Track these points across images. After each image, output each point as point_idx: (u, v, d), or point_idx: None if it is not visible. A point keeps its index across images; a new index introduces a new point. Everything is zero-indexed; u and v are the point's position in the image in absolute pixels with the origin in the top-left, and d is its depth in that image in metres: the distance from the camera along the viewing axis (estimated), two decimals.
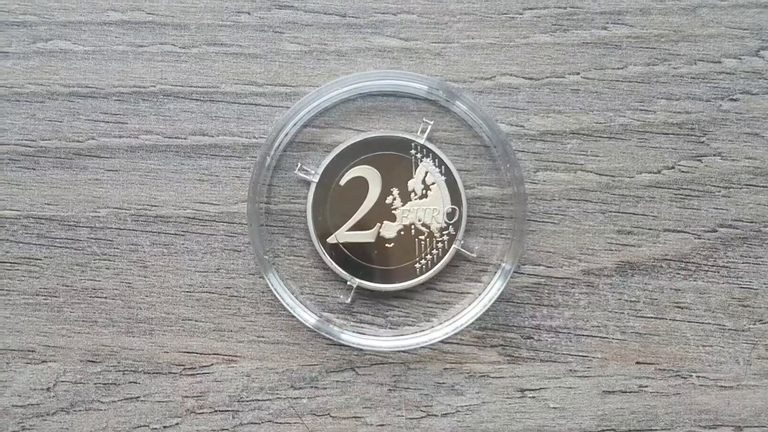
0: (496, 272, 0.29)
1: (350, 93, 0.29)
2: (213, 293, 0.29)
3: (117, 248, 0.29)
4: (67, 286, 0.29)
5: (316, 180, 0.28)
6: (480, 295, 0.29)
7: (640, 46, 0.29)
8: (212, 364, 0.29)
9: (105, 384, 0.29)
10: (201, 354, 0.29)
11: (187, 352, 0.29)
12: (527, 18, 0.29)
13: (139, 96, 0.29)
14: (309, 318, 0.28)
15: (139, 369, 0.29)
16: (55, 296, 0.29)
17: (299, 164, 0.29)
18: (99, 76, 0.29)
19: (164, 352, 0.29)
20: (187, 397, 0.29)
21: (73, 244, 0.29)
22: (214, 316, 0.29)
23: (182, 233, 0.29)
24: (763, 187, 0.29)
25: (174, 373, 0.29)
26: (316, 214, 0.28)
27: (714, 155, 0.29)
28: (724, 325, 0.29)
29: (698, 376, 0.29)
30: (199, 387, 0.29)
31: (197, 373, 0.29)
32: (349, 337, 0.29)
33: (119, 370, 0.29)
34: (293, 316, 0.28)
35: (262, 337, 0.29)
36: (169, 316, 0.29)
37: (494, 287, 0.28)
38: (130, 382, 0.29)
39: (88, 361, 0.29)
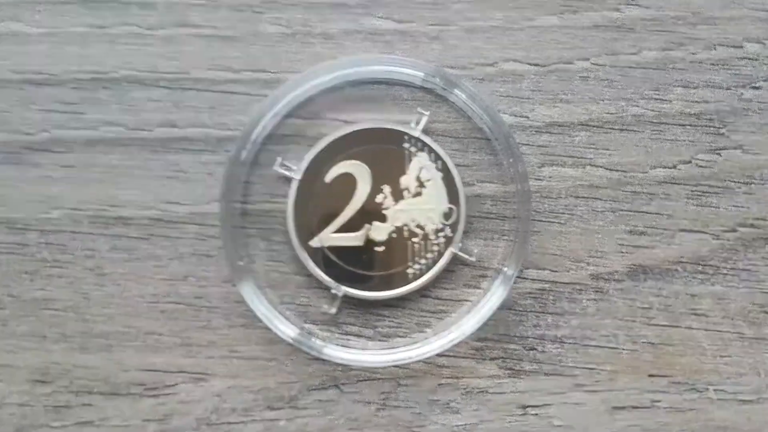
0: (496, 278, 0.28)
1: (337, 80, 0.28)
2: (180, 304, 0.28)
3: (71, 254, 0.28)
4: (14, 296, 0.28)
5: (299, 177, 0.28)
6: (479, 302, 0.28)
7: (655, 30, 0.29)
8: (178, 384, 0.28)
9: (56, 407, 0.28)
10: (165, 372, 0.28)
11: (150, 371, 0.28)
12: None
13: (99, 83, 0.29)
14: (289, 331, 0.28)
15: (95, 390, 0.28)
16: (1, 308, 0.28)
17: (279, 159, 0.28)
18: (54, 61, 0.29)
19: (123, 370, 0.28)
20: (148, 420, 0.28)
21: (20, 250, 0.28)
22: (180, 330, 0.28)
23: (146, 237, 0.28)
24: None
25: (134, 394, 0.28)
26: (298, 214, 0.28)
27: (734, 148, 0.29)
28: (744, 334, 0.29)
29: (716, 390, 0.29)
30: (163, 409, 0.28)
31: (161, 394, 0.28)
32: (334, 352, 0.28)
33: (72, 391, 0.28)
34: (271, 329, 0.27)
35: (236, 352, 0.28)
36: (130, 330, 0.28)
37: (495, 294, 0.28)
38: (84, 405, 0.28)
39: (37, 380, 0.28)
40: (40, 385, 0.28)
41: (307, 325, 0.28)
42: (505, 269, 0.28)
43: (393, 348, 0.28)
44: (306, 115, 0.28)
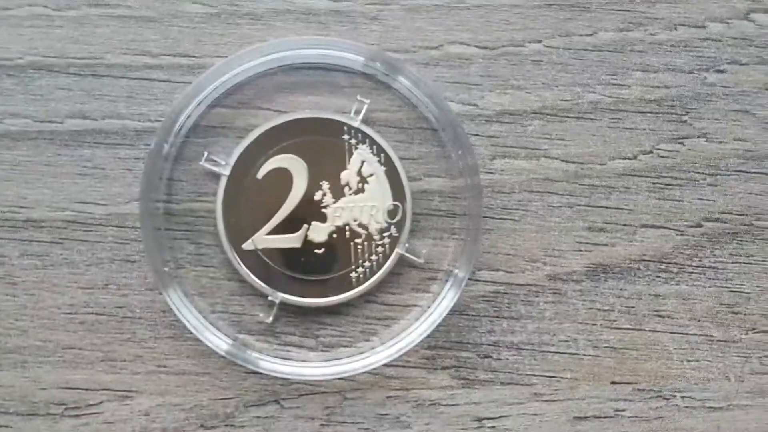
0: (447, 280, 0.28)
1: (268, 65, 0.28)
2: (101, 314, 0.28)
3: None
4: None
5: (227, 172, 0.27)
6: (429, 307, 0.28)
7: (612, 9, 0.29)
8: (102, 402, 0.28)
9: None
10: (87, 390, 0.28)
11: (70, 388, 0.28)
12: None
13: (2, 70, 0.28)
14: (221, 342, 0.27)
15: (11, 410, 0.28)
16: None
17: (206, 153, 0.27)
18: None
19: (40, 388, 0.28)
20: None
21: None
22: (102, 343, 0.28)
23: (60, 241, 0.28)
24: (754, 173, 0.29)
25: (54, 414, 0.28)
26: (228, 214, 0.27)
27: (698, 137, 0.29)
28: (712, 336, 0.29)
29: (683, 397, 0.29)
30: (86, 430, 0.28)
31: (83, 414, 0.28)
32: (272, 364, 0.27)
33: None
34: (202, 341, 0.27)
35: (164, 366, 0.28)
36: (46, 344, 0.28)
37: (445, 298, 0.28)
38: (0, 426, 0.28)
39: None
40: None
41: (241, 336, 0.28)
42: (456, 271, 0.28)
43: (337, 359, 0.28)
44: (234, 104, 0.28)
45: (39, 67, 0.28)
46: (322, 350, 0.28)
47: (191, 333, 0.27)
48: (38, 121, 0.28)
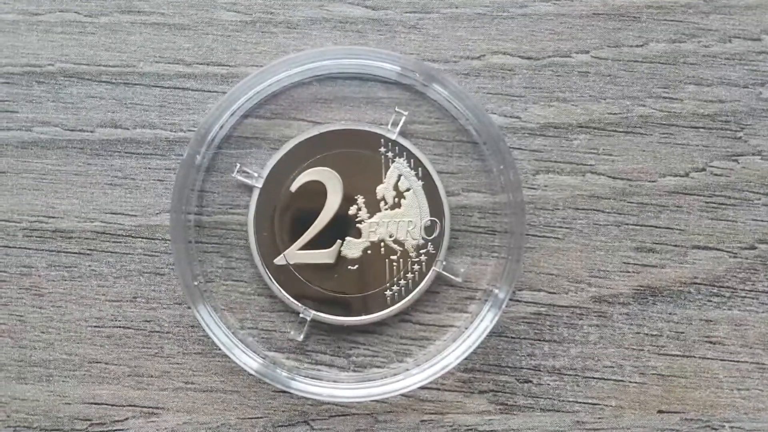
0: (486, 300, 0.28)
1: (303, 75, 0.28)
2: (128, 328, 0.28)
3: (4, 271, 0.28)
4: None
5: (260, 185, 0.27)
6: (466, 328, 0.28)
7: (663, 19, 0.29)
8: (127, 419, 0.28)
9: None
10: (113, 405, 0.28)
11: (96, 404, 0.28)
12: None
13: (32, 77, 0.29)
14: (251, 361, 0.27)
15: (34, 424, 0.28)
16: None
17: (238, 165, 0.27)
18: None
19: (65, 403, 0.28)
20: None
21: None
22: (129, 358, 0.28)
23: (88, 252, 0.28)
24: None
25: (78, 430, 0.28)
26: (260, 228, 0.27)
27: (753, 154, 0.29)
28: (764, 364, 0.28)
29: (732, 427, 0.28)
30: None
31: (108, 430, 0.28)
32: (302, 384, 0.27)
33: (10, 426, 0.28)
34: (231, 358, 0.27)
35: (191, 383, 0.28)
36: (72, 358, 0.28)
37: (484, 319, 0.27)
38: None
39: None
40: None
41: (271, 354, 0.28)
42: (496, 291, 0.27)
43: (369, 380, 0.27)
44: (268, 115, 0.28)
45: (70, 74, 0.28)
46: (354, 370, 0.28)
47: (220, 350, 0.27)
48: (68, 130, 0.28)
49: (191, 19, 0.29)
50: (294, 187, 0.27)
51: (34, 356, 0.28)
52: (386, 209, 0.27)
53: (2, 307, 0.28)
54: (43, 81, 0.28)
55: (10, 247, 0.28)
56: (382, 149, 0.27)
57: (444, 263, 0.27)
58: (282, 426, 0.28)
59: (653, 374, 0.28)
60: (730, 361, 0.28)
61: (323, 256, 0.27)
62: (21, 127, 0.28)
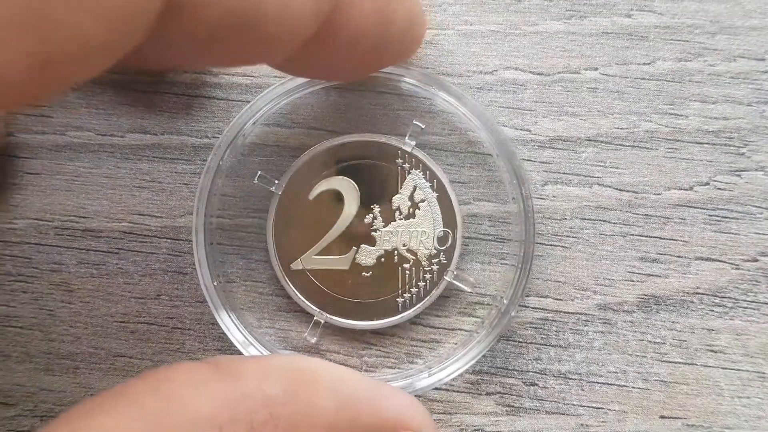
0: (494, 306, 0.28)
1: (323, 86, 0.28)
2: (152, 324, 0.28)
3: (36, 268, 0.28)
4: None
5: (280, 192, 0.27)
6: (475, 332, 0.27)
7: (670, 38, 0.29)
8: None
9: None
10: None
11: None
12: (537, 2, 0.29)
13: None
14: None
15: (61, 414, 0.27)
16: None
17: (259, 172, 0.28)
18: None
19: (91, 394, 0.28)
20: None
21: None
22: (152, 353, 0.28)
23: (116, 251, 0.28)
24: None
25: None
26: (279, 233, 0.27)
27: (756, 170, 0.28)
28: (765, 373, 0.28)
29: None
30: None
31: None
32: None
33: (36, 415, 0.28)
34: (247, 355, 0.27)
35: None
36: (98, 352, 0.28)
37: (493, 324, 0.27)
38: None
39: (0, 403, 0.28)
40: (2, 408, 0.28)
41: (287, 352, 0.28)
42: (504, 297, 0.27)
43: (381, 380, 0.27)
44: (289, 125, 0.28)
45: (102, 82, 0.28)
46: (365, 370, 0.28)
47: (237, 347, 0.27)
48: (100, 135, 0.28)
49: None
50: (312, 195, 0.27)
51: (62, 349, 0.28)
52: (401, 219, 0.27)
53: (33, 301, 0.28)
54: (77, 88, 0.28)
55: (42, 245, 0.28)
56: (399, 161, 0.27)
57: (455, 273, 0.27)
58: None
59: (656, 380, 0.28)
60: (732, 369, 0.28)
61: (338, 262, 0.27)
62: (55, 131, 0.28)
